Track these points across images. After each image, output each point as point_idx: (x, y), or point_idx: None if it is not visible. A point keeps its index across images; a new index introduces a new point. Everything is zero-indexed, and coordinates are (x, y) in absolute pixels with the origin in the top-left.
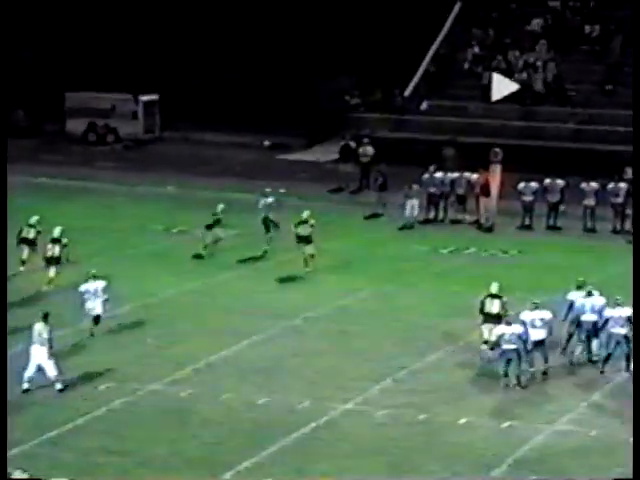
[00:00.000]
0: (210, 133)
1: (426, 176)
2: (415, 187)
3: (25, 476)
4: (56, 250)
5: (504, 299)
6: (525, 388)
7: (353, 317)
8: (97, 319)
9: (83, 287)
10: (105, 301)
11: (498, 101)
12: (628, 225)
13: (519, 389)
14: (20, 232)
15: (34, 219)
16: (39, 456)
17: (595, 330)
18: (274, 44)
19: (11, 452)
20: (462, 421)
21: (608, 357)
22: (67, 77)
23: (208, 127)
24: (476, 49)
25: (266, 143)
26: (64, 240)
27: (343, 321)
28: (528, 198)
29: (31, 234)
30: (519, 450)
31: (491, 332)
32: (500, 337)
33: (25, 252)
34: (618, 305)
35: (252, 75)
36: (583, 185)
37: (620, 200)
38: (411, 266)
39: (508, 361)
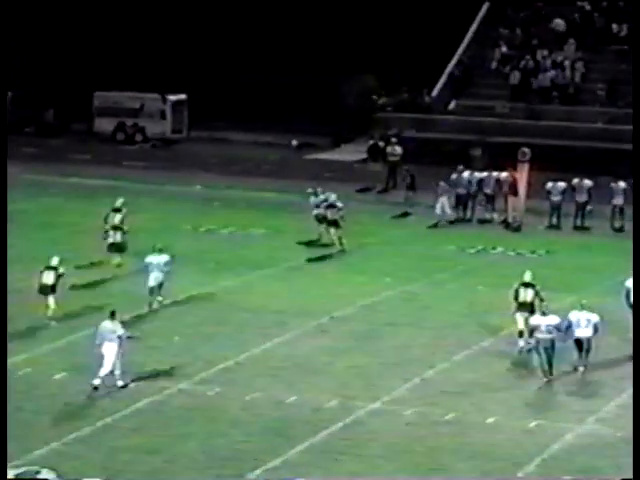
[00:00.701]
0: (238, 133)
1: (454, 176)
2: (442, 184)
3: (53, 475)
4: (118, 237)
5: (537, 287)
6: (552, 380)
7: (381, 316)
8: (160, 286)
9: (148, 259)
10: (167, 273)
11: (526, 100)
12: None
13: (549, 382)
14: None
15: (120, 202)
16: (68, 455)
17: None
18: (303, 43)
19: (40, 451)
20: (490, 420)
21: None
22: (96, 77)
23: (236, 127)
24: (504, 49)
25: (294, 143)
26: (125, 228)
27: (371, 320)
28: (556, 198)
29: (117, 219)
30: (547, 450)
31: (526, 321)
32: (536, 327)
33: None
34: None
35: (281, 75)
36: (612, 184)
37: None
38: (439, 265)
39: (543, 351)
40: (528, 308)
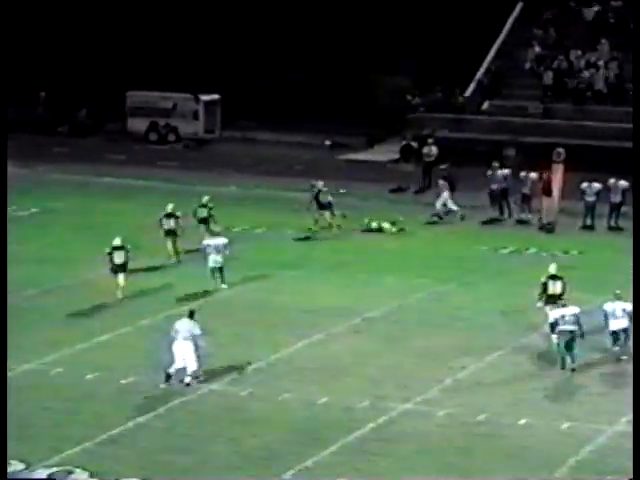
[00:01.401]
0: (270, 133)
1: (489, 172)
2: (441, 182)
3: (85, 475)
4: (171, 223)
5: (564, 279)
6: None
7: (413, 316)
8: (221, 270)
9: (205, 242)
10: (225, 255)
11: (559, 101)
12: None
13: (573, 371)
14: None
15: (206, 199)
16: (100, 454)
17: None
18: (335, 43)
19: (72, 450)
20: (522, 422)
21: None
22: (129, 76)
23: (269, 126)
24: (537, 49)
25: (327, 142)
26: (178, 213)
27: (403, 320)
28: (590, 198)
29: (204, 213)
30: (580, 451)
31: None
32: (559, 318)
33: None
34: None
35: (313, 74)
36: (610, 181)
37: None
38: (471, 266)
39: (566, 342)
40: (558, 300)
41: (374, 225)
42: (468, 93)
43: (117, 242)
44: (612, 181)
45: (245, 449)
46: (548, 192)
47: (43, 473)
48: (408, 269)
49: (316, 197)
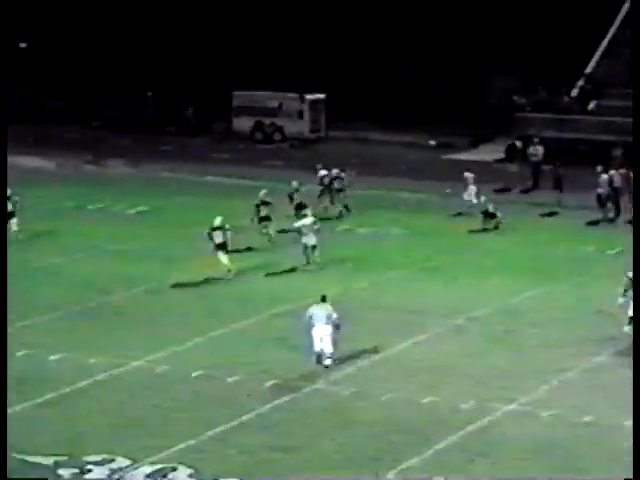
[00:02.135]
0: (376, 132)
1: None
2: (468, 174)
3: (188, 472)
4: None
5: None
6: None
7: (519, 317)
8: (314, 248)
9: (298, 224)
10: (317, 231)
11: None
12: None
13: None
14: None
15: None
16: (205, 452)
17: None
18: (441, 44)
19: (178, 447)
20: (627, 423)
21: None
22: (235, 76)
23: (374, 126)
24: None
25: (432, 142)
26: (227, 226)
27: (509, 321)
28: None
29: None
30: None
31: None
32: None
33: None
34: None
35: (422, 74)
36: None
37: None
38: (577, 266)
39: None
40: None
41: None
42: (574, 93)
43: (217, 222)
44: None
45: (349, 448)
46: None
47: (147, 469)
48: (513, 269)
49: (330, 184)
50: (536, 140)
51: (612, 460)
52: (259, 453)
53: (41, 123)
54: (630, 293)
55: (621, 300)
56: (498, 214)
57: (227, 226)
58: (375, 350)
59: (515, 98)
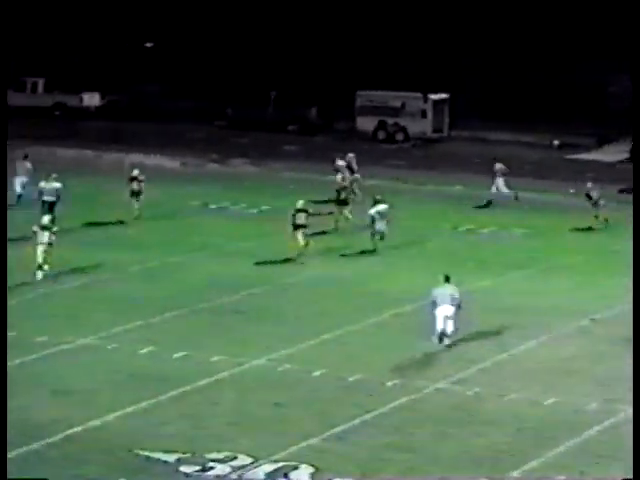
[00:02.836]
0: (500, 132)
1: None
2: (498, 166)
3: (310, 470)
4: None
5: None
6: None
7: None
8: (382, 235)
9: (371, 211)
10: (387, 222)
11: None
12: None
13: None
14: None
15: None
16: (326, 450)
17: None
18: (566, 42)
19: (299, 445)
20: None
21: None
22: (358, 76)
23: (497, 126)
24: None
25: (555, 143)
26: (310, 210)
27: (632, 322)
28: None
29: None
30: None
31: None
32: None
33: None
34: None
35: (545, 74)
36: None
37: None
38: None
39: None
40: None
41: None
42: None
43: (300, 205)
44: None
45: (471, 449)
46: None
47: (269, 467)
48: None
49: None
50: None
51: None
52: (381, 452)
53: (166, 122)
54: None
55: None
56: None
57: (310, 210)
58: (498, 350)
59: None
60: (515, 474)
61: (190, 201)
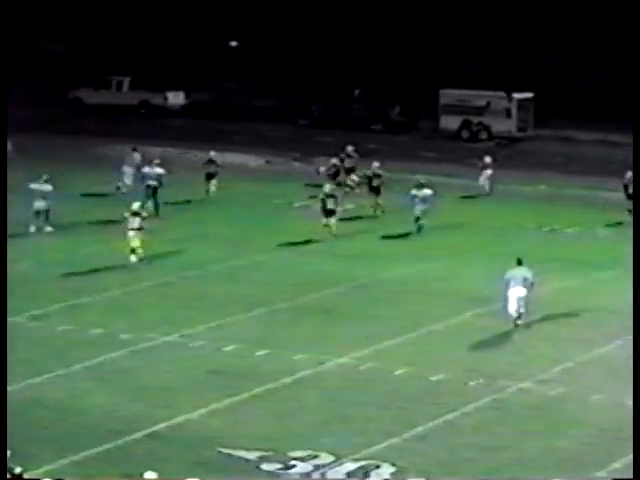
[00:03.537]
0: (584, 131)
1: None
2: (487, 159)
3: (392, 469)
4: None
5: None
6: None
7: None
8: (418, 218)
9: (413, 192)
10: (426, 208)
11: None
12: None
13: None
14: None
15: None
16: (408, 450)
17: None
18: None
19: (381, 445)
20: None
21: None
22: (442, 75)
23: (582, 125)
24: None
25: None
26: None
27: None
28: None
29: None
30: None
31: None
32: None
33: None
34: None
35: (627, 72)
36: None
37: None
38: None
39: None
40: None
41: None
42: None
43: (327, 189)
44: None
45: (554, 449)
46: None
47: (351, 466)
48: None
49: (369, 182)
50: None
51: None
52: (463, 452)
53: (249, 120)
54: None
55: None
56: None
57: (337, 195)
58: (582, 350)
59: None
60: (600, 474)
61: (274, 199)
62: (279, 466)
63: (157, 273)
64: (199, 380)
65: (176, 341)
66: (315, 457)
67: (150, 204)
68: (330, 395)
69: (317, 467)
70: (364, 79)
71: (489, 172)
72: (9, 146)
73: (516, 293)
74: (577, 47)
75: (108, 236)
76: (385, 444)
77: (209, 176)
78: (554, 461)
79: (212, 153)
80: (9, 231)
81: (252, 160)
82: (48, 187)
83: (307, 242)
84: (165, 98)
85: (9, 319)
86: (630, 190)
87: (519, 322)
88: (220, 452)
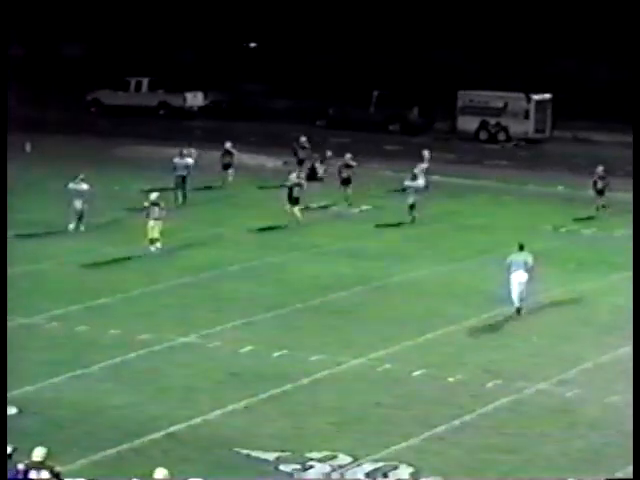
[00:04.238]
0: (602, 133)
1: None
2: (426, 152)
3: (410, 470)
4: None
5: None
6: None
7: None
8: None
9: (406, 182)
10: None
11: None
12: None
13: None
14: None
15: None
16: (426, 451)
17: None
18: None
19: (399, 445)
20: None
21: None
22: (459, 76)
23: (600, 126)
24: None
25: None
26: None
27: None
28: None
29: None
30: None
31: None
32: None
33: None
34: None
35: None
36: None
37: None
38: None
39: None
40: None
41: None
42: None
43: (293, 178)
44: None
45: (571, 451)
46: None
47: (369, 467)
48: None
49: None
50: None
51: None
52: (481, 453)
53: (267, 122)
54: None
55: None
56: None
57: (303, 183)
58: (600, 352)
59: None
60: (617, 476)
61: None
62: (297, 467)
63: (175, 274)
64: (217, 381)
65: (194, 342)
66: (333, 458)
67: (179, 193)
68: (348, 396)
69: (335, 468)
70: (382, 81)
71: (424, 166)
72: (27, 147)
73: (518, 278)
74: (596, 48)
75: (126, 237)
76: (403, 445)
77: (225, 166)
78: (571, 462)
79: (228, 144)
80: (27, 230)
81: (269, 161)
82: (84, 186)
83: (324, 243)
84: (184, 99)
85: (28, 319)
86: (599, 186)
87: (522, 309)
88: (238, 453)
